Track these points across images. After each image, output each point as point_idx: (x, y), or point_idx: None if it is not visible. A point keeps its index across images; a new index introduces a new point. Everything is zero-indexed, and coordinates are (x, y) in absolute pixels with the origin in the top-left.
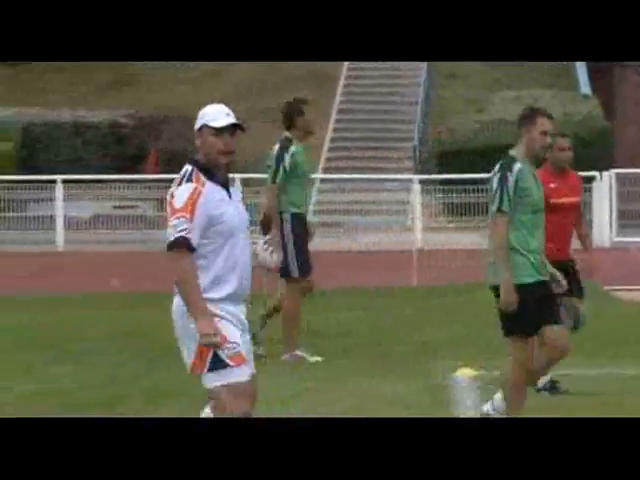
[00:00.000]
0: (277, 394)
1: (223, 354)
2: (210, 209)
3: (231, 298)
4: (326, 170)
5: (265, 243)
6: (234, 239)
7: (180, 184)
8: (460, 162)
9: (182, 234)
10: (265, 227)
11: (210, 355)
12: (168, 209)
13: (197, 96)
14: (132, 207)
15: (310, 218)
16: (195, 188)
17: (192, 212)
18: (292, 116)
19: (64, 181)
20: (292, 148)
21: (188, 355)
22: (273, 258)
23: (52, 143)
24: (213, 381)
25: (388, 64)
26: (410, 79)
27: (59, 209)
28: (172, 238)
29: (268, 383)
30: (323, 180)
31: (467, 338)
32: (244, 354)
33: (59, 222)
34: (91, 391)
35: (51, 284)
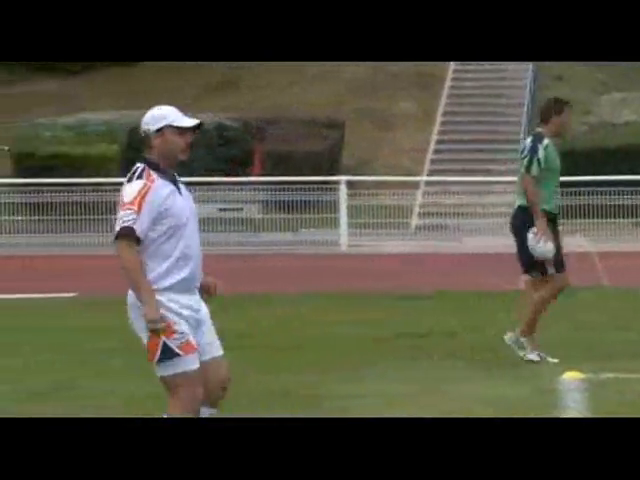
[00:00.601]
0: (381, 399)
1: (172, 344)
2: (159, 204)
3: (182, 287)
4: (431, 172)
5: (534, 234)
6: (184, 230)
7: (130, 180)
8: (567, 164)
9: (128, 224)
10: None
11: (160, 345)
12: (120, 204)
13: (302, 98)
14: (237, 210)
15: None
16: (145, 184)
17: (140, 205)
18: (549, 113)
19: None
20: (545, 141)
21: (145, 345)
22: (547, 247)
23: None
24: (164, 370)
25: (494, 66)
26: (516, 81)
27: None
28: (118, 228)
29: (370, 386)
30: (428, 183)
31: (575, 341)
32: (193, 342)
33: None
34: None
35: None
